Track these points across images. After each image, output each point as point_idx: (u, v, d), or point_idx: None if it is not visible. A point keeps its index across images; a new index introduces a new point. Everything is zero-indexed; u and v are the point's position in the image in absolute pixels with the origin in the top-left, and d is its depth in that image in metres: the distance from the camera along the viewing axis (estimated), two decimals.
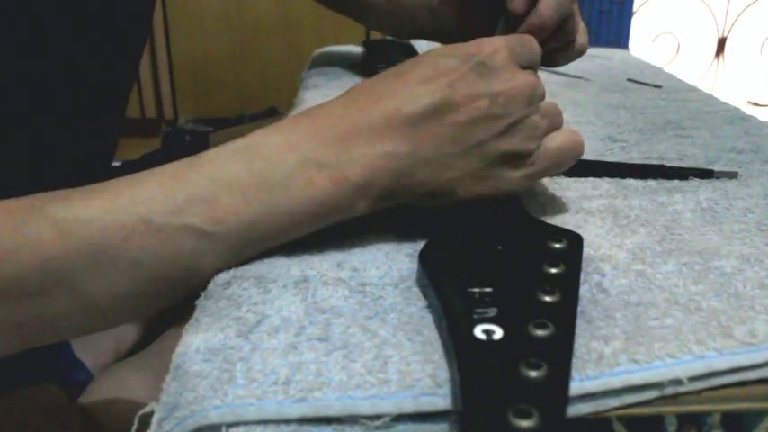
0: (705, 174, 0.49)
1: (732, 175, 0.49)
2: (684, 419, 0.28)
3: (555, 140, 0.39)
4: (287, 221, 0.35)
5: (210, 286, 0.35)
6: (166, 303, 0.36)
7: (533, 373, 0.24)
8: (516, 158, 0.38)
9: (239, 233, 0.35)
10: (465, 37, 0.41)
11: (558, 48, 0.53)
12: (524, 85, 0.37)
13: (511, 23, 0.48)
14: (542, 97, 0.39)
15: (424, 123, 0.35)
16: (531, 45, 0.40)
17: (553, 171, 0.40)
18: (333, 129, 0.36)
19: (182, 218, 0.33)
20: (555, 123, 0.40)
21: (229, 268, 0.36)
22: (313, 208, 0.35)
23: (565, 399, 0.24)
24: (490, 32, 0.48)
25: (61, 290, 0.33)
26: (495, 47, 0.38)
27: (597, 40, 1.99)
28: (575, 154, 0.40)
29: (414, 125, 0.35)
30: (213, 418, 0.26)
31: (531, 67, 0.40)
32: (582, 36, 0.54)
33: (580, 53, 0.55)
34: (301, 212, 0.35)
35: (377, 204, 0.37)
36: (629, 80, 0.83)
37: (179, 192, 0.34)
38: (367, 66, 0.83)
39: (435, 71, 0.36)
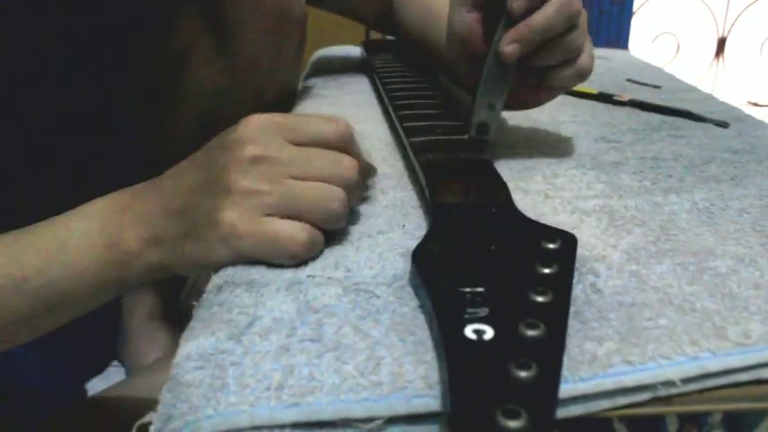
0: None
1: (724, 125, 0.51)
2: (685, 419, 0.28)
3: (273, 225, 0.36)
4: (80, 282, 0.40)
5: (203, 294, 0.35)
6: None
7: (523, 374, 0.24)
8: (218, 228, 0.36)
9: (45, 290, 0.40)
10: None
11: (554, 66, 0.49)
12: (237, 157, 0.37)
13: (509, 25, 0.47)
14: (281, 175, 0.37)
15: (162, 199, 0.39)
16: (300, 123, 0.39)
17: (249, 252, 0.37)
18: (120, 201, 0.41)
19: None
20: (298, 203, 0.37)
21: (57, 324, 0.42)
22: (91, 268, 0.40)
23: (554, 399, 0.24)
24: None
25: None
26: (247, 122, 0.38)
27: (597, 40, 1.98)
28: (279, 251, 0.36)
29: (160, 200, 0.39)
30: (206, 428, 0.26)
31: (300, 141, 0.39)
32: (586, 58, 0.50)
33: (580, 76, 0.50)
34: (84, 274, 0.40)
35: (149, 275, 0.40)
36: (628, 80, 0.83)
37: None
38: (366, 66, 0.83)
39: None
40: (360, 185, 0.40)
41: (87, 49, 0.52)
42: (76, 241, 0.40)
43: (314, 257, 0.37)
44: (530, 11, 0.46)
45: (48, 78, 0.52)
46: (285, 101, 0.75)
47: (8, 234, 0.42)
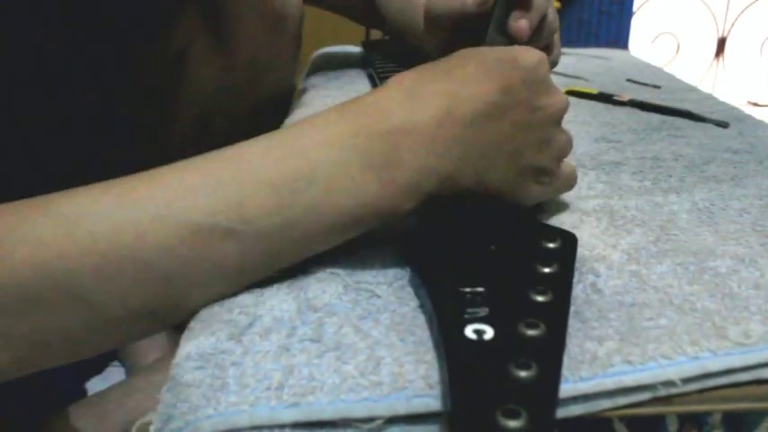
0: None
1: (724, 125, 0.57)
2: (685, 419, 0.28)
3: (569, 166, 0.41)
4: (327, 224, 0.33)
5: None
6: (182, 316, 0.33)
7: (523, 374, 0.24)
8: (541, 174, 0.38)
9: (272, 235, 0.32)
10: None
11: None
12: (560, 103, 0.37)
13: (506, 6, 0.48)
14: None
15: (473, 127, 0.34)
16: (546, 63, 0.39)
17: (558, 195, 0.42)
18: (379, 126, 0.33)
19: (203, 215, 0.30)
20: (568, 150, 0.40)
21: (260, 277, 0.34)
22: (357, 211, 0.33)
23: (554, 399, 0.24)
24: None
25: (63, 298, 0.30)
26: (537, 58, 0.37)
27: (597, 40, 1.99)
28: (574, 184, 0.42)
29: (464, 128, 0.34)
30: (206, 428, 0.26)
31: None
32: (557, 49, 0.55)
33: (553, 64, 0.56)
34: (344, 215, 0.33)
35: (419, 207, 0.35)
36: (628, 80, 0.83)
37: (201, 187, 0.31)
38: (366, 66, 0.83)
39: (485, 73, 0.35)
40: None
41: (87, 49, 0.52)
42: (326, 173, 0.32)
43: (315, 256, 0.37)
44: None
45: (48, 78, 0.52)
46: (282, 99, 0.75)
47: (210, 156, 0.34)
